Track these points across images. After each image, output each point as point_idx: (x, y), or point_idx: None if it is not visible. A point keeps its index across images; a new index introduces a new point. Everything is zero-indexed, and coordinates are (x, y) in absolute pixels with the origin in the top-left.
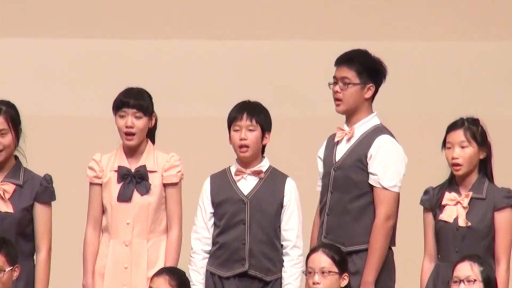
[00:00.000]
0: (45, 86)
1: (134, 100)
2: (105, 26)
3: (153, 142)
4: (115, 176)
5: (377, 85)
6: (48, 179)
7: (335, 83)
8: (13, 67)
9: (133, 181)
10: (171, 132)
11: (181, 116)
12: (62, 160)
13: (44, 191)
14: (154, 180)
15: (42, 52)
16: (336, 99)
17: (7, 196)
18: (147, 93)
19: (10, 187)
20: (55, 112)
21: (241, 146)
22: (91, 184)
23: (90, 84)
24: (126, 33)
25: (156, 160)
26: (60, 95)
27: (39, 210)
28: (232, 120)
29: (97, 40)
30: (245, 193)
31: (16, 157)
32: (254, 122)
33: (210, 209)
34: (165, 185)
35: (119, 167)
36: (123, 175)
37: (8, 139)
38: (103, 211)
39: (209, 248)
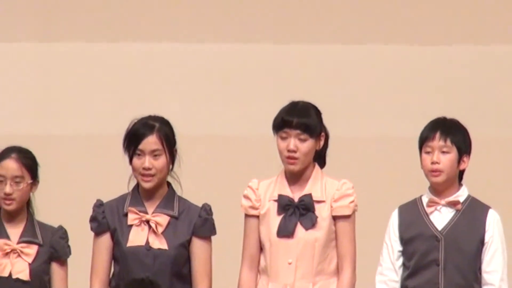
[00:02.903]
0: (195, 102)
1: (298, 119)
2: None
3: (322, 166)
4: (274, 206)
5: None
6: (207, 210)
7: None
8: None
9: (296, 212)
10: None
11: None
12: (217, 186)
13: (203, 223)
14: (322, 212)
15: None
16: None
17: (160, 230)
18: (315, 108)
19: (163, 219)
20: (209, 130)
21: (432, 171)
22: (247, 216)
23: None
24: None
25: (324, 188)
26: (218, 112)
27: (198, 246)
28: (423, 140)
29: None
30: (439, 228)
31: (169, 184)
32: (448, 142)
33: (398, 247)
34: (335, 218)
35: (280, 196)
36: (284, 205)
37: (161, 161)
38: (261, 248)
39: None
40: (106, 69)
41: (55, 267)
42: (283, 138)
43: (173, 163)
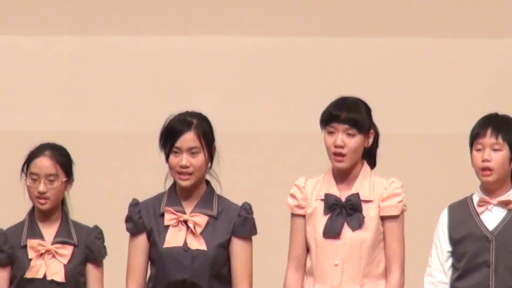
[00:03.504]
0: (234, 97)
1: (347, 113)
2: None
3: (372, 166)
4: (321, 206)
5: None
6: (247, 209)
7: None
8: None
9: (343, 212)
10: None
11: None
12: (259, 184)
13: (243, 223)
14: (369, 212)
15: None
16: None
17: (199, 230)
18: (364, 104)
19: (202, 219)
20: (250, 127)
21: (483, 169)
22: (293, 215)
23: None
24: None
25: (372, 187)
26: (259, 107)
27: (238, 246)
28: (474, 137)
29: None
30: (490, 229)
31: (207, 182)
32: (500, 139)
33: (447, 247)
34: (382, 218)
35: (326, 195)
36: (331, 205)
37: (199, 159)
38: (307, 249)
39: None
40: (142, 64)
41: (90, 268)
42: (330, 133)
43: (211, 161)
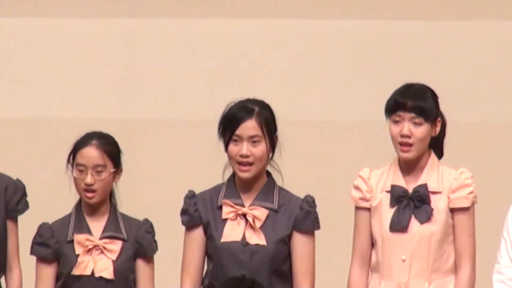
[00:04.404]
0: (296, 84)
1: (413, 101)
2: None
3: (439, 156)
4: (387, 198)
5: None
6: (310, 202)
7: None
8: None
9: (411, 205)
10: None
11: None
12: (322, 176)
13: (305, 217)
14: (438, 204)
15: None
16: None
17: (258, 224)
18: (431, 91)
19: (261, 213)
20: (313, 115)
21: None
22: (357, 208)
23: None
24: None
25: (440, 177)
26: (322, 95)
27: (300, 241)
28: None
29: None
30: None
31: (268, 174)
32: None
33: None
34: (452, 210)
35: (393, 186)
36: (398, 197)
37: (260, 149)
38: (372, 243)
39: None
40: (199, 49)
41: (140, 265)
42: (396, 122)
43: (273, 151)
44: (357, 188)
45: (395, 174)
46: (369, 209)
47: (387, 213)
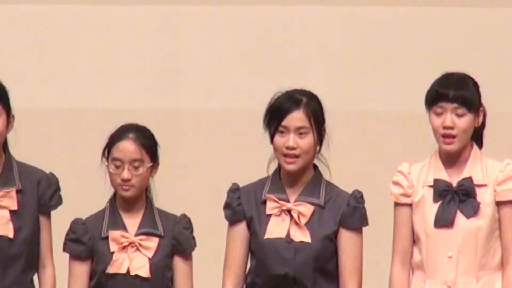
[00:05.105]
0: (342, 74)
1: (455, 91)
2: None
3: (479, 146)
4: (430, 193)
5: None
6: (357, 197)
7: None
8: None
9: (455, 199)
10: None
11: None
12: (368, 169)
13: (353, 213)
14: (484, 197)
15: None
16: None
17: (303, 221)
18: (472, 80)
19: (307, 209)
20: (359, 105)
21: None
22: (397, 204)
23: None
24: None
25: (485, 170)
26: (367, 84)
27: (347, 239)
28: None
29: None
30: None
31: (315, 168)
32: None
33: None
34: (498, 204)
35: (435, 180)
36: (442, 191)
37: (308, 141)
38: (414, 240)
39: None
40: (244, 37)
41: (178, 262)
42: (437, 114)
43: (321, 144)
44: (397, 183)
45: (437, 167)
46: (410, 205)
47: (431, 208)
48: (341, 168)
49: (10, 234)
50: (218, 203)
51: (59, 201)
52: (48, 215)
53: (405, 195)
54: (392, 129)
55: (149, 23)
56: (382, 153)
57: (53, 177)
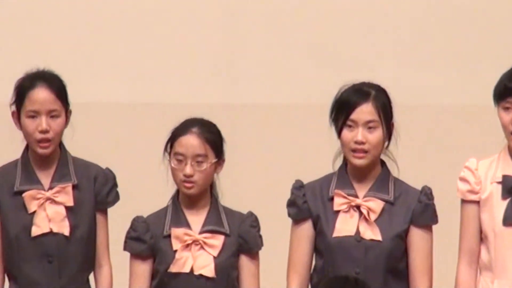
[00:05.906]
0: (410, 67)
1: None
2: None
3: None
4: (498, 190)
5: None
6: (428, 194)
7: None
8: None
9: None
10: None
11: None
12: (436, 165)
13: (424, 210)
14: None
15: None
16: None
17: (373, 217)
18: None
19: (377, 205)
20: (424, 99)
21: None
22: (464, 201)
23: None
24: None
25: None
26: (433, 78)
27: (418, 237)
28: None
29: None
30: None
31: (383, 163)
32: None
33: None
34: None
35: (505, 177)
36: (510, 188)
37: (377, 135)
38: (481, 239)
39: None
40: (306, 28)
41: (244, 261)
42: (506, 109)
43: (389, 139)
44: (464, 180)
45: (506, 163)
46: (477, 202)
47: (499, 205)
48: (407, 164)
49: (66, 232)
50: (284, 200)
51: (116, 198)
52: (105, 213)
53: (472, 191)
54: (461, 123)
55: (213, 16)
56: (450, 148)
57: (110, 172)
